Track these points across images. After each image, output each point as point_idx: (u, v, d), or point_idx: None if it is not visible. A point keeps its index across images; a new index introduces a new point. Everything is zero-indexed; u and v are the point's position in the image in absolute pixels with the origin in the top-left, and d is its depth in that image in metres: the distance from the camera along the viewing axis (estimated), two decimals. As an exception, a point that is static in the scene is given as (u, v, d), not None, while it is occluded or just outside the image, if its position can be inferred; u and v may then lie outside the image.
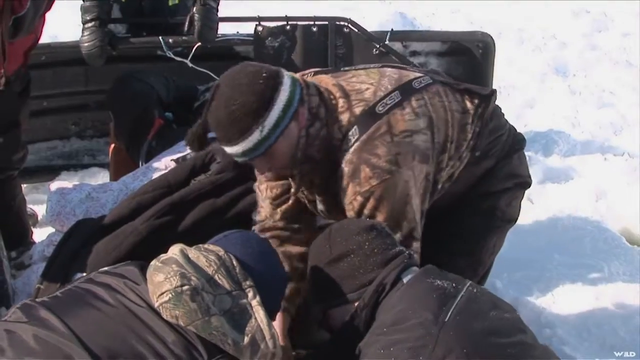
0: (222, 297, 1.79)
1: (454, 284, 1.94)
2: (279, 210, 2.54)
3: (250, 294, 1.84)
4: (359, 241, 2.02)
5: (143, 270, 1.91)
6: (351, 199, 2.29)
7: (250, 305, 1.82)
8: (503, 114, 2.74)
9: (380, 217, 2.26)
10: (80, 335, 1.68)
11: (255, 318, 1.79)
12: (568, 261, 3.98)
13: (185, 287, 1.75)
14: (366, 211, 2.27)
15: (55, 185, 3.51)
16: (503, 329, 1.85)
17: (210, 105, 2.19)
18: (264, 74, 2.20)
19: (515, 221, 2.85)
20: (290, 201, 2.50)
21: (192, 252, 1.89)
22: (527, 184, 2.80)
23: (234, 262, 1.88)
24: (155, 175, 3.20)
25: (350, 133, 2.29)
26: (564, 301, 3.67)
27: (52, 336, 1.68)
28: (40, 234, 3.83)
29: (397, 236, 2.29)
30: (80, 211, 3.22)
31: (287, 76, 2.26)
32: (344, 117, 2.31)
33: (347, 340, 1.94)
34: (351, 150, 2.28)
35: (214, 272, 1.82)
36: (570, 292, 3.74)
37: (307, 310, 2.60)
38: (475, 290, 1.96)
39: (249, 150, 2.19)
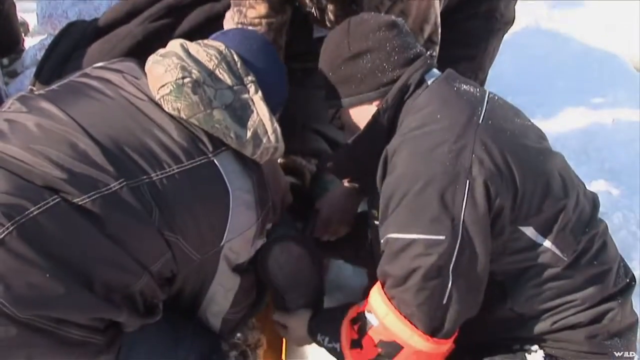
0: (223, 91, 1.73)
1: (477, 88, 1.87)
2: (274, 19, 2.35)
3: (252, 89, 1.78)
4: (380, 38, 1.87)
5: (141, 65, 1.83)
6: (377, 4, 2.17)
7: (252, 100, 1.76)
8: None
9: (405, 20, 2.13)
10: (84, 125, 1.63)
11: (257, 112, 1.75)
12: (573, 87, 3.94)
13: (187, 80, 1.69)
14: (392, 15, 2.12)
15: (46, -14, 3.34)
16: (529, 134, 1.83)
17: None
18: None
19: (513, 23, 2.79)
20: (288, 12, 2.37)
21: (193, 47, 1.79)
22: None
23: (235, 58, 1.80)
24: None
25: None
26: (565, 126, 3.67)
27: (56, 125, 1.63)
28: (32, 43, 3.71)
29: (419, 40, 2.21)
30: (73, 14, 3.10)
31: None
32: None
33: (370, 142, 1.87)
34: None
35: (214, 66, 1.75)
36: (573, 117, 3.73)
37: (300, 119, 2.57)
38: (496, 98, 1.89)
39: None
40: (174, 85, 1.69)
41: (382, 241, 1.76)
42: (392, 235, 1.72)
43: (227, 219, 1.71)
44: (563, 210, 1.74)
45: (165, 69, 1.72)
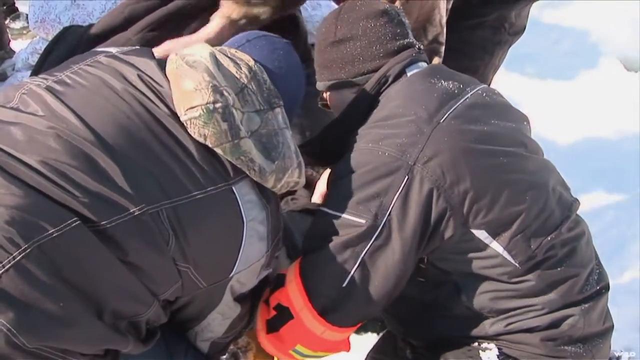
0: (250, 115, 1.62)
1: (461, 85, 1.81)
2: None
3: (279, 117, 1.67)
4: (365, 27, 1.86)
5: (159, 64, 1.66)
6: None
7: (279, 129, 1.66)
8: None
9: (406, 19, 2.09)
10: (102, 135, 1.48)
11: (283, 144, 1.65)
12: (564, 87, 3.97)
13: (218, 105, 1.57)
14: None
15: (37, -12, 3.31)
16: (500, 137, 1.77)
17: None
18: None
19: (523, 32, 2.71)
20: None
21: (222, 58, 1.66)
22: None
23: (265, 76, 1.69)
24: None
25: None
26: (556, 126, 3.69)
27: (73, 136, 1.48)
28: (22, 46, 3.70)
29: (422, 41, 2.19)
30: (66, 19, 3.05)
31: None
32: None
33: (343, 129, 1.86)
34: None
35: (243, 85, 1.64)
36: (564, 117, 3.76)
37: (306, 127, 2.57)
38: (484, 95, 1.83)
39: None
40: (204, 110, 1.55)
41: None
42: (322, 208, 1.76)
43: (239, 250, 1.63)
44: (520, 216, 1.71)
45: (195, 86, 1.58)
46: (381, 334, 2.26)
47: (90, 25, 2.85)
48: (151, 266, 1.49)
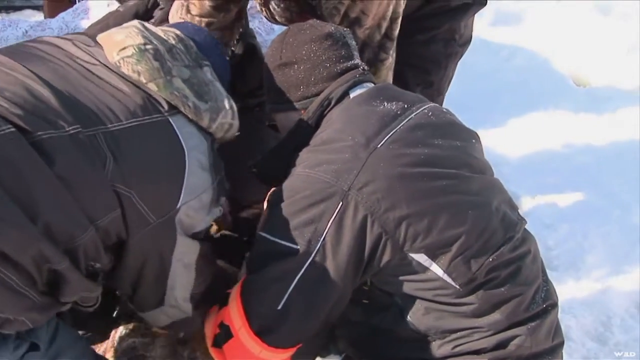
0: (181, 68, 1.73)
1: (405, 105, 1.81)
2: (215, 19, 2.32)
3: (208, 73, 1.78)
4: (309, 50, 1.88)
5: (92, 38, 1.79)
6: (336, 4, 2.18)
7: (209, 80, 1.77)
8: None
9: (365, 19, 2.17)
10: (39, 74, 1.59)
11: (214, 90, 1.76)
12: (516, 102, 4.03)
13: (149, 47, 1.70)
14: (352, 14, 2.18)
15: (-13, 21, 3.29)
16: (441, 159, 1.76)
17: None
18: None
19: (470, 43, 2.75)
20: (233, 11, 2.33)
21: (150, 26, 1.79)
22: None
23: (191, 43, 1.82)
24: (96, 11, 3.03)
25: None
26: (509, 141, 3.75)
27: (10, 72, 1.58)
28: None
29: (376, 36, 2.22)
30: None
31: None
32: None
33: (289, 150, 1.86)
34: None
35: (172, 45, 1.76)
36: (517, 132, 3.82)
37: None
38: (430, 114, 1.82)
39: None
40: (136, 49, 1.68)
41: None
42: (259, 232, 1.76)
43: (184, 178, 1.68)
44: (460, 238, 1.70)
45: (125, 35, 1.71)
46: (342, 356, 2.28)
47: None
48: (85, 184, 1.52)
